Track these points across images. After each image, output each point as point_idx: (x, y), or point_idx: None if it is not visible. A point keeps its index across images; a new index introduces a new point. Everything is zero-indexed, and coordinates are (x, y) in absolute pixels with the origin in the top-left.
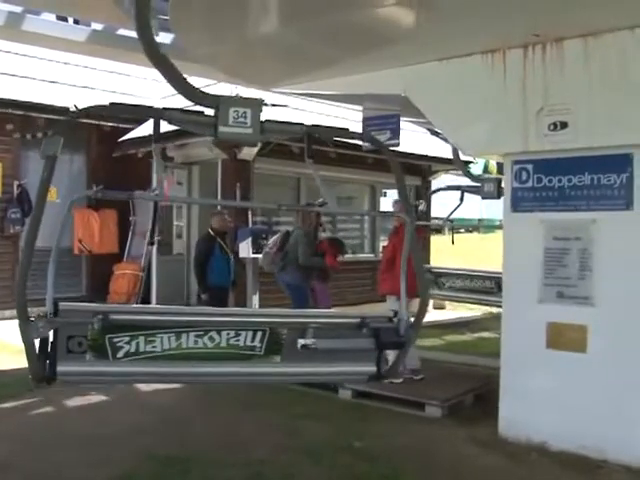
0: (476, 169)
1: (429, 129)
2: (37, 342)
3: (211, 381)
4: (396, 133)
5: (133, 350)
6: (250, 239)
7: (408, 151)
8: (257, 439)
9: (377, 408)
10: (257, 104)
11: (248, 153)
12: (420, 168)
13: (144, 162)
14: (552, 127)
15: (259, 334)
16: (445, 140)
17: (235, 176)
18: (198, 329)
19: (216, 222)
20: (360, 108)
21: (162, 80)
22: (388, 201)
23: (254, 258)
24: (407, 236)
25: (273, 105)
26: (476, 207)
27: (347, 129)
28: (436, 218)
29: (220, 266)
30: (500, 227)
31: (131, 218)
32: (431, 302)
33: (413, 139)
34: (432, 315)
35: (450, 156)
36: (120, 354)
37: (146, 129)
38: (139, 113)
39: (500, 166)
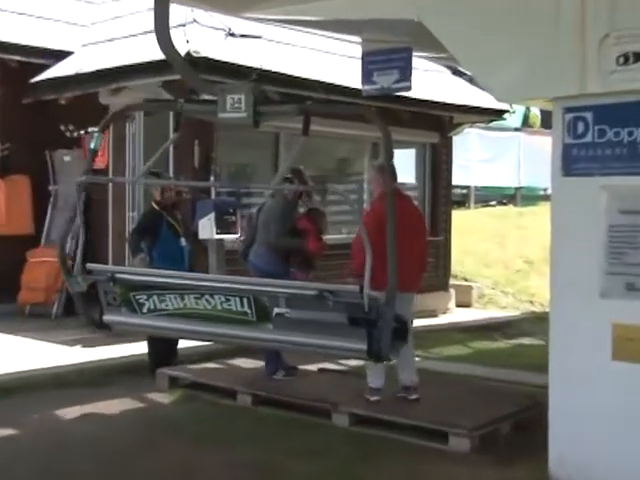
0: (513, 121)
1: (451, 67)
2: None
3: (221, 341)
4: (406, 73)
5: (152, 307)
6: (213, 215)
7: (422, 97)
8: None
9: (382, 439)
10: (249, 90)
11: (207, 99)
12: (438, 120)
13: (69, 111)
14: (621, 61)
15: (245, 301)
16: (471, 81)
17: (193, 131)
18: (195, 292)
19: (158, 193)
20: (358, 40)
21: (81, 24)
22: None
23: (219, 240)
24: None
25: (243, 36)
26: (512, 170)
27: (351, 103)
28: (457, 187)
29: (170, 251)
30: (545, 198)
31: (50, 188)
32: (453, 297)
33: (429, 81)
34: (455, 314)
35: (479, 103)
36: (145, 309)
37: (69, 66)
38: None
39: (546, 116)
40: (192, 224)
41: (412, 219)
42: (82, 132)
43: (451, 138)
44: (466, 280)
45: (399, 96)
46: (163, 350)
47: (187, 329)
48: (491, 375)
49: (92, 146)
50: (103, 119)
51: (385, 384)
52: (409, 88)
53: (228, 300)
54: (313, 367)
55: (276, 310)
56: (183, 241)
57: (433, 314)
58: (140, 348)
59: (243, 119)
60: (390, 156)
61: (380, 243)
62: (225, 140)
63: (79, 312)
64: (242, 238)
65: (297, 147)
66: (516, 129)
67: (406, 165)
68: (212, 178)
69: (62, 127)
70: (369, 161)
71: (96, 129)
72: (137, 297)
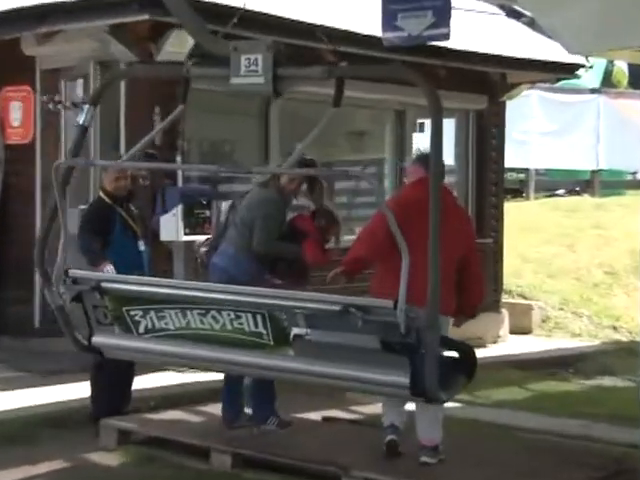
0: (590, 79)
1: (504, 6)
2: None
3: (234, 370)
4: (444, 16)
5: (150, 326)
6: (179, 208)
7: (464, 49)
8: None
9: None
10: (267, 48)
11: (176, 53)
12: (486, 79)
13: None
14: None
15: (259, 318)
16: (533, 25)
17: (152, 95)
18: (198, 306)
19: (109, 180)
20: None
21: None
22: (424, 138)
23: (187, 243)
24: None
25: None
26: (588, 147)
27: (390, 64)
28: (512, 170)
29: (125, 258)
30: (634, 185)
31: None
32: (506, 320)
33: (473, 26)
34: (509, 344)
35: (542, 55)
36: (141, 329)
37: None
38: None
39: (637, 73)
40: (151, 220)
41: (454, 222)
42: None
43: (504, 104)
44: (524, 297)
45: (433, 47)
46: (112, 393)
47: (193, 355)
48: (559, 428)
49: (80, 122)
50: (94, 88)
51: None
52: (447, 36)
53: (239, 317)
54: (316, 415)
55: (295, 331)
56: (142, 244)
57: (479, 343)
58: (79, 390)
59: (260, 86)
60: (439, 134)
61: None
62: (196, 107)
63: (66, 334)
64: (207, 241)
65: (322, 122)
66: (594, 90)
67: (445, 140)
68: (179, 159)
69: None
70: (392, 134)
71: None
72: (131, 313)
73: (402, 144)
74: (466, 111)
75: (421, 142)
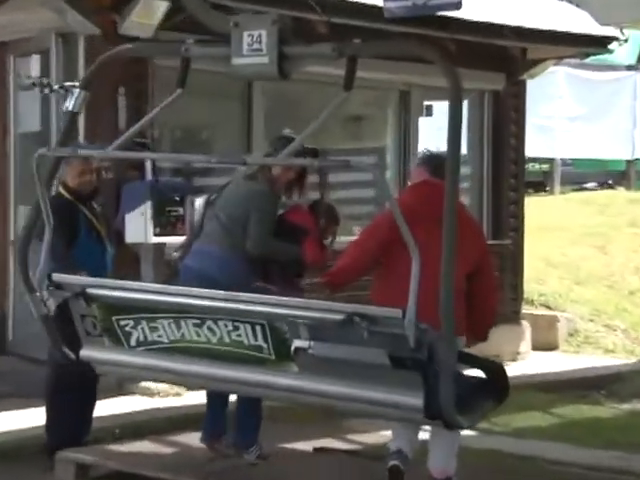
0: (625, 55)
1: None
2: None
3: (231, 389)
4: None
5: (142, 338)
6: (148, 205)
7: (479, 19)
8: None
9: None
10: (272, 23)
11: (143, 24)
12: (504, 55)
13: None
14: None
15: (258, 329)
16: None
17: (115, 74)
18: (194, 316)
19: (72, 175)
20: None
21: None
22: (431, 123)
23: (158, 245)
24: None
25: None
26: (623, 133)
27: (404, 40)
28: (534, 160)
29: (90, 263)
30: None
31: None
32: (527, 334)
33: None
34: (531, 362)
35: (569, 27)
36: (133, 341)
37: None
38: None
39: None
40: (115, 219)
41: (463, 234)
42: None
43: (524, 83)
44: (548, 308)
45: (442, 18)
46: (70, 420)
47: (189, 371)
48: (590, 460)
49: (70, 107)
50: (89, 69)
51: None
52: (458, 5)
53: (236, 328)
54: (306, 445)
55: (296, 343)
56: (108, 248)
57: (498, 361)
58: (31, 417)
59: (264, 66)
60: (457, 124)
61: (398, 252)
62: (166, 88)
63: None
64: (180, 245)
65: (330, 107)
66: (630, 67)
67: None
68: (147, 139)
69: None
70: (395, 119)
71: (70, 83)
72: (122, 323)
73: (406, 130)
74: (480, 92)
75: (428, 127)
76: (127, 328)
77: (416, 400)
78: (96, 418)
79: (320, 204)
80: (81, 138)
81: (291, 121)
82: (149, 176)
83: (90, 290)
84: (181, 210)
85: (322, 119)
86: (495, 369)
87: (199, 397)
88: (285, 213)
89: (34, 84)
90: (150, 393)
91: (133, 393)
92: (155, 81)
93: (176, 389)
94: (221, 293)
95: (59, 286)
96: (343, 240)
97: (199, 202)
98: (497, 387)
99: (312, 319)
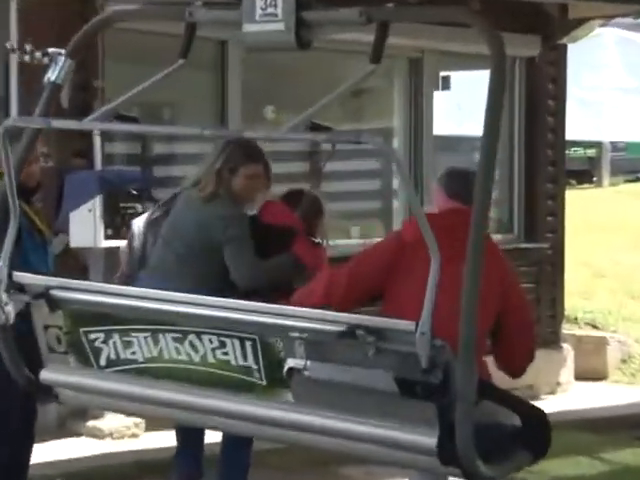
0: None
1: None
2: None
3: (206, 424)
4: None
5: (114, 356)
6: (98, 200)
7: None
8: None
9: None
10: None
11: None
12: (539, 14)
13: None
14: None
15: (248, 346)
16: None
17: (57, 39)
18: (174, 329)
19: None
20: None
21: None
22: (449, 99)
23: (110, 250)
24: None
25: None
26: None
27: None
28: (577, 144)
29: (35, 268)
30: None
31: None
32: (570, 360)
33: None
34: (573, 395)
35: None
36: (102, 360)
37: None
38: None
39: None
40: (56, 219)
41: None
42: None
43: (565, 48)
44: (595, 327)
45: None
46: (4, 462)
47: (163, 399)
48: None
49: (52, 78)
50: (77, 36)
51: None
52: None
53: (223, 345)
54: None
55: (290, 363)
56: (53, 249)
57: (530, 394)
58: None
59: (279, 34)
60: (497, 105)
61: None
62: (121, 56)
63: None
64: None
65: (354, 80)
66: None
67: (473, 101)
68: (96, 132)
69: None
70: (404, 93)
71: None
72: (91, 336)
73: (418, 107)
74: (511, 59)
75: (445, 104)
76: (97, 343)
77: (427, 439)
78: (34, 465)
79: (298, 195)
80: (14, 111)
81: (275, 96)
82: (98, 164)
83: (55, 292)
84: (139, 207)
85: (338, 93)
86: (533, 415)
87: (161, 439)
88: (260, 214)
89: (13, 50)
90: (100, 434)
91: (79, 434)
92: (106, 50)
93: (133, 429)
94: (209, 299)
95: (21, 288)
96: (340, 244)
97: (138, 223)
98: (535, 437)
99: (308, 331)
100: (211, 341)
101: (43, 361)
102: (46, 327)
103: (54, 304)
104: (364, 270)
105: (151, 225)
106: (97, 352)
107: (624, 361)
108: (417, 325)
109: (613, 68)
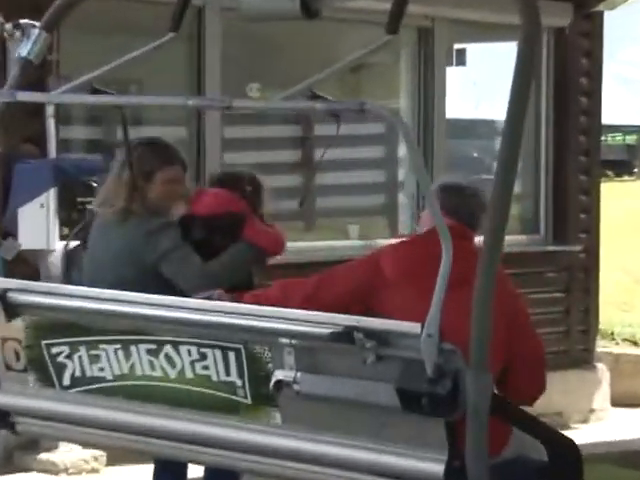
0: None
1: None
2: None
3: (182, 456)
4: None
5: (79, 373)
6: (52, 193)
7: None
8: None
9: None
10: None
11: None
12: None
13: None
14: None
15: (232, 357)
16: None
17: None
18: (148, 339)
19: None
20: None
21: None
22: (464, 75)
23: (69, 253)
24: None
25: None
26: None
27: None
28: (615, 129)
29: None
30: None
31: None
32: (606, 383)
33: None
34: (611, 423)
35: None
36: (66, 379)
37: None
38: None
39: None
40: (3, 214)
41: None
42: None
43: (601, 17)
44: (636, 344)
45: None
46: None
47: (137, 426)
48: None
49: (24, 53)
50: (53, 7)
51: None
52: None
53: (203, 357)
54: None
55: (277, 375)
56: (3, 254)
57: (558, 422)
58: None
59: (284, 2)
60: (525, 82)
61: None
62: (77, 27)
63: None
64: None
65: (368, 50)
66: None
67: (493, 79)
68: (50, 110)
69: None
70: (411, 68)
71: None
72: (53, 351)
73: (428, 85)
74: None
75: (460, 81)
76: (60, 358)
77: (434, 465)
78: None
79: (234, 178)
80: None
81: (260, 72)
82: (53, 152)
83: (13, 295)
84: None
85: (343, 65)
86: (563, 445)
87: (125, 474)
88: (193, 208)
89: None
90: (54, 469)
91: (28, 469)
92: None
93: (92, 463)
94: (189, 301)
95: None
96: (336, 245)
97: (55, 254)
98: (565, 472)
99: (300, 334)
100: (190, 352)
101: None
102: (3, 340)
103: (13, 310)
104: (326, 294)
105: (70, 260)
106: (60, 369)
107: None
108: (423, 327)
109: None
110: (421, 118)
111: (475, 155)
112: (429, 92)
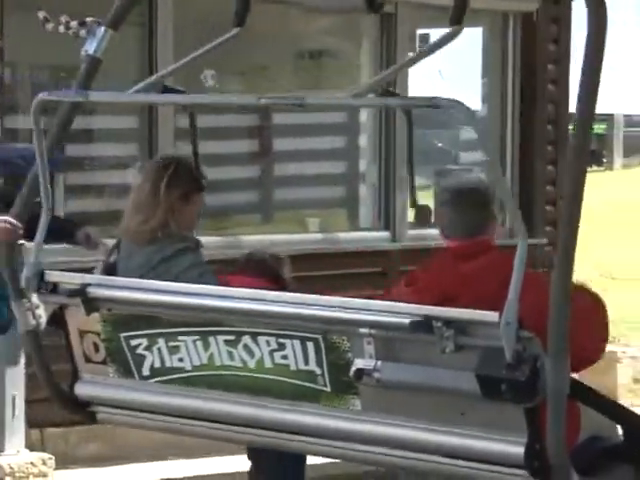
0: None
1: None
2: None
3: (260, 442)
4: None
5: (158, 364)
6: None
7: None
8: None
9: None
10: None
11: None
12: None
13: None
14: None
15: (310, 347)
16: None
17: None
18: (227, 330)
19: None
20: None
21: None
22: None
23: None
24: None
25: None
26: None
27: None
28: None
29: None
30: None
31: None
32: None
33: None
34: None
35: None
36: (145, 369)
37: None
38: None
39: None
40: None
41: None
42: None
43: (569, 3)
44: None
45: None
46: None
47: (219, 413)
48: None
49: (91, 51)
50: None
51: None
52: None
53: (282, 347)
54: None
55: (357, 364)
56: None
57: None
58: None
59: None
60: (596, 74)
61: None
62: (23, 10)
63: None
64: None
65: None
66: None
67: (459, 68)
68: None
69: None
70: (372, 55)
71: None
72: (132, 342)
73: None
74: (503, 14)
75: (424, 69)
76: (139, 350)
77: (514, 447)
78: None
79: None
80: None
81: (214, 59)
82: None
83: (93, 290)
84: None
85: (416, 58)
86: (638, 424)
87: (73, 478)
88: None
89: (46, 20)
90: None
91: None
92: (5, 3)
93: (40, 467)
94: (268, 294)
95: (54, 289)
96: (295, 239)
97: None
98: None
99: (379, 325)
100: (268, 343)
101: (79, 373)
102: (82, 333)
103: (91, 305)
104: None
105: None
106: (140, 360)
107: (637, 381)
108: (500, 315)
109: (630, 26)
110: (381, 109)
111: (440, 145)
112: (390, 81)
